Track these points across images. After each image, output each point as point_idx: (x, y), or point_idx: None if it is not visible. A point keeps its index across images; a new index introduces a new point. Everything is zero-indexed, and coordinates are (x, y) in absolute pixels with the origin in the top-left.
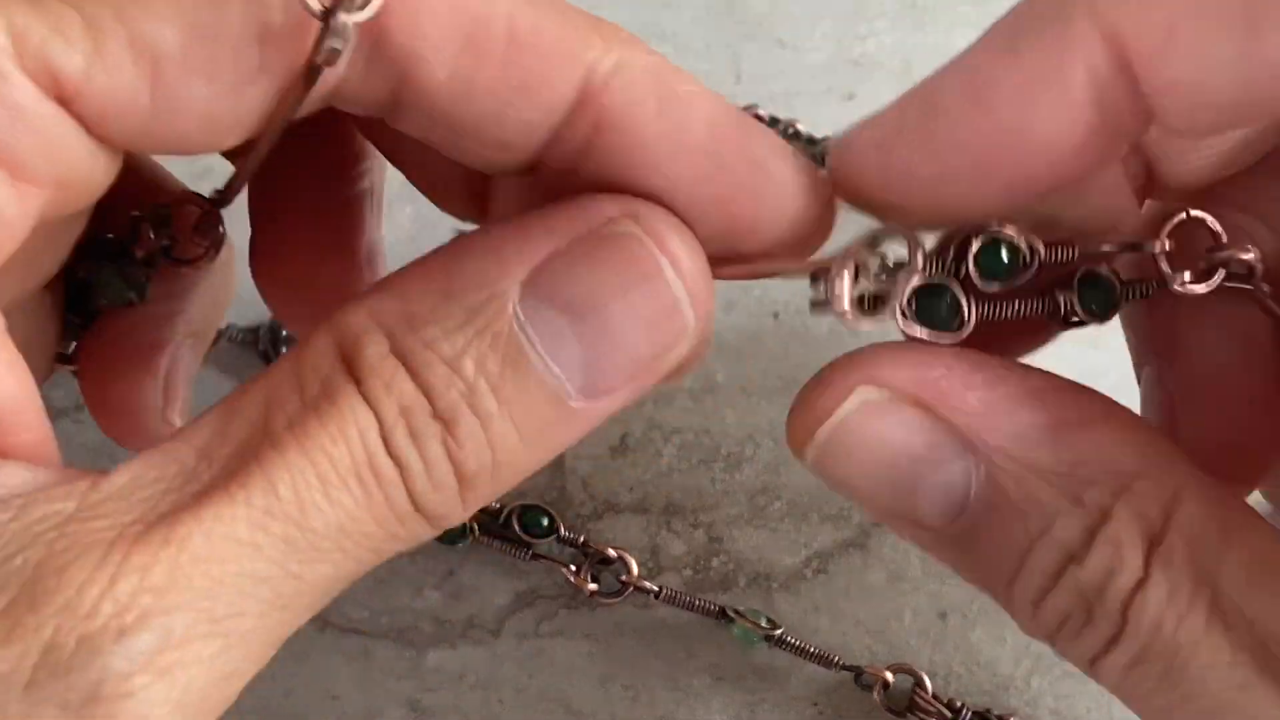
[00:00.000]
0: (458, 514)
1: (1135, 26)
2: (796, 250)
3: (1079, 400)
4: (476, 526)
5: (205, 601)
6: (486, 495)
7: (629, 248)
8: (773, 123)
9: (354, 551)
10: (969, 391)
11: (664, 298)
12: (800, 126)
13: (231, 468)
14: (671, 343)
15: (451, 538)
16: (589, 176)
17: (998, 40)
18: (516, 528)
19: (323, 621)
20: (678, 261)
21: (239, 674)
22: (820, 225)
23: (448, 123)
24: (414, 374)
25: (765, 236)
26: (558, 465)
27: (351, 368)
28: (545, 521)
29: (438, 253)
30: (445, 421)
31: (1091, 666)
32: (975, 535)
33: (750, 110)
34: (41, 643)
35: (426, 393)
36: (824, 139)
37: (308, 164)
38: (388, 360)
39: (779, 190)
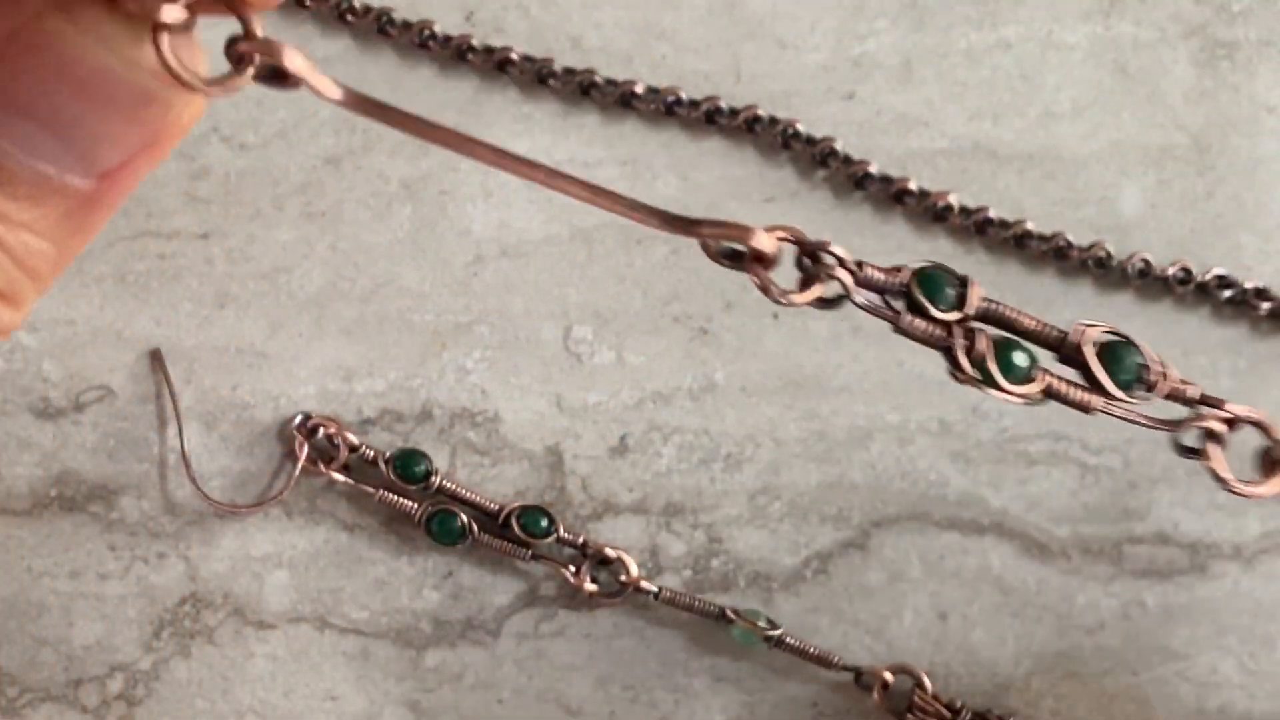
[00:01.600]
0: (17, 319)
1: None
2: None
3: None
4: (476, 527)
5: None
6: (38, 293)
7: (58, 49)
8: (772, 123)
9: None
10: None
11: (116, 85)
12: (800, 126)
13: None
14: (151, 114)
15: (451, 538)
16: None
17: None
18: (516, 528)
19: (322, 622)
20: (113, 46)
21: None
22: None
23: None
24: None
25: None
26: (557, 465)
27: None
28: (544, 522)
29: None
30: None
31: None
32: None
33: (750, 110)
34: None
35: None
36: (824, 139)
37: None
38: None
39: None
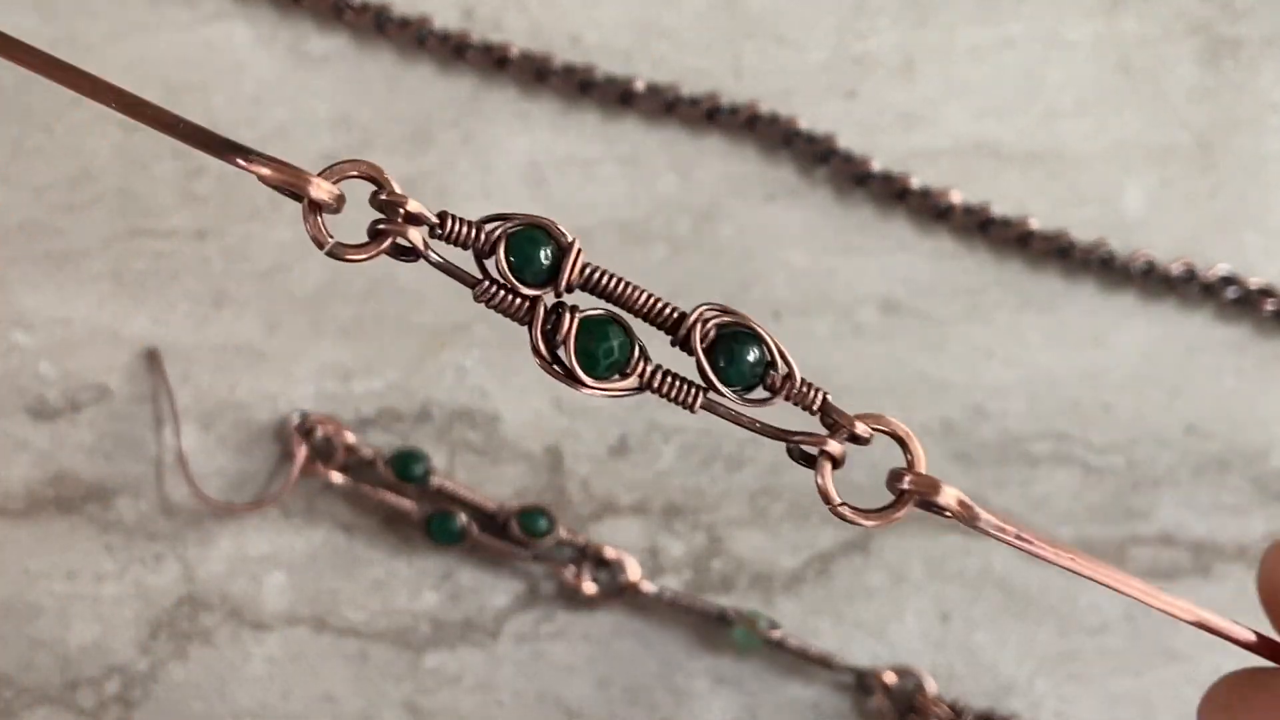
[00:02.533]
0: None
1: None
2: None
3: None
4: (475, 527)
5: None
6: None
7: None
8: (773, 120)
9: None
10: None
11: None
12: (801, 124)
13: None
14: None
15: (450, 539)
16: None
17: None
18: (515, 529)
19: (320, 623)
20: None
21: None
22: None
23: None
24: None
25: None
26: (557, 466)
27: None
28: (544, 523)
29: None
30: None
31: None
32: None
33: (750, 108)
34: None
35: None
36: (825, 136)
37: None
38: None
39: None
